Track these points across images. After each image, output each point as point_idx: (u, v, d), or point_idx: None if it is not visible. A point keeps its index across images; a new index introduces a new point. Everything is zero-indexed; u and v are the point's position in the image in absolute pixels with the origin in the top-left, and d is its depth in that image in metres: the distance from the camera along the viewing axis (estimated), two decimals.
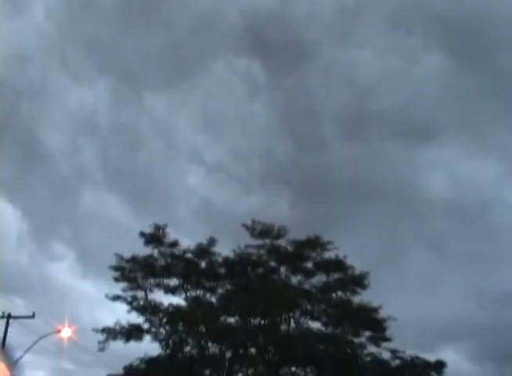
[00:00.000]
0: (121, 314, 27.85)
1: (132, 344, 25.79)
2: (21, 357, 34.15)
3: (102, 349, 25.71)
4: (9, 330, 35.87)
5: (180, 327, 24.35)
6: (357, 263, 27.13)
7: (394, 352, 25.08)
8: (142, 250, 26.74)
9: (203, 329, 22.94)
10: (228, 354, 24.70)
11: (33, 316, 35.89)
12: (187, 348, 25.20)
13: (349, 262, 26.80)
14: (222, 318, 24.41)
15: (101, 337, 25.87)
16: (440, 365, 24.69)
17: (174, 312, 23.97)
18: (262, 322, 25.09)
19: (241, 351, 24.35)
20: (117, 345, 26.63)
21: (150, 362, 23.78)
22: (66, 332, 36.07)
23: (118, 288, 27.07)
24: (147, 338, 26.38)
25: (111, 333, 26.01)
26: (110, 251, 27.76)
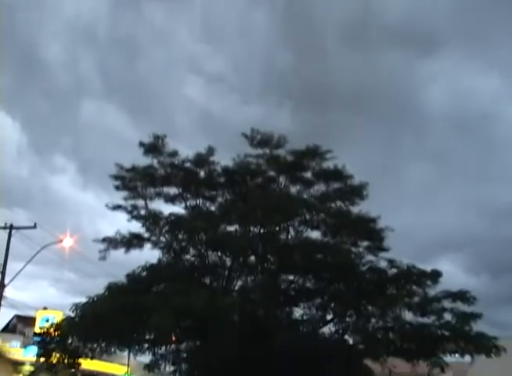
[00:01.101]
0: (122, 224, 28.20)
1: (133, 253, 26.21)
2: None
3: (103, 258, 26.14)
4: (12, 241, 36.47)
5: (180, 236, 24.63)
6: (356, 174, 27.30)
7: (391, 261, 25.45)
8: (142, 160, 26.81)
9: (203, 237, 23.18)
10: (228, 262, 25.12)
11: (34, 227, 36.42)
12: (187, 256, 25.65)
13: (348, 172, 26.97)
14: (222, 226, 24.64)
15: (102, 246, 26.25)
16: (436, 274, 25.10)
17: (175, 221, 24.14)
18: (261, 231, 25.37)
19: (240, 259, 24.71)
20: (118, 255, 27.06)
21: (151, 269, 24.16)
22: (67, 242, 36.69)
23: (119, 197, 27.33)
24: (148, 247, 26.84)
25: (112, 242, 26.38)
26: (110, 161, 27.85)
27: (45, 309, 58.18)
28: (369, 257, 26.63)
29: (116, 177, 26.78)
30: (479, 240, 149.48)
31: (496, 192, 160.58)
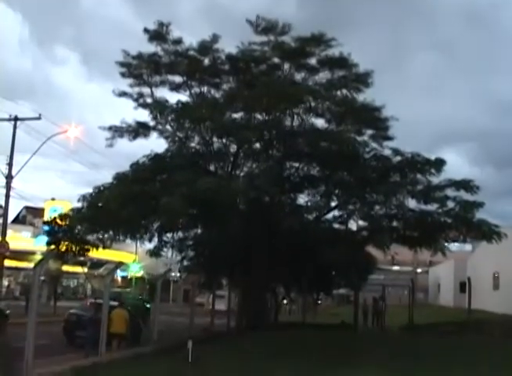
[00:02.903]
0: (127, 115, 28.19)
1: (140, 145, 26.42)
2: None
3: (110, 145, 26.31)
4: (17, 133, 36.53)
5: (186, 124, 24.59)
6: (362, 63, 26.97)
7: (395, 150, 25.43)
8: (147, 48, 26.54)
9: (208, 125, 23.12)
10: (233, 149, 25.20)
11: (39, 118, 36.39)
12: (192, 144, 25.74)
13: (353, 60, 26.60)
14: (227, 114, 24.54)
15: (108, 135, 26.33)
16: (439, 162, 25.09)
17: (180, 109, 24.02)
18: (266, 118, 25.30)
19: (246, 146, 24.75)
20: (125, 146, 27.29)
21: (156, 158, 24.28)
22: (73, 132, 36.76)
23: (124, 86, 27.28)
24: (153, 137, 26.92)
25: (118, 130, 26.47)
26: (114, 52, 27.62)
27: (52, 199, 59.01)
28: (374, 145, 26.66)
29: (122, 64, 26.62)
30: (485, 132, 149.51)
31: (505, 85, 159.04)
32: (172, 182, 19.86)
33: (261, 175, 23.88)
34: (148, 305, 38.22)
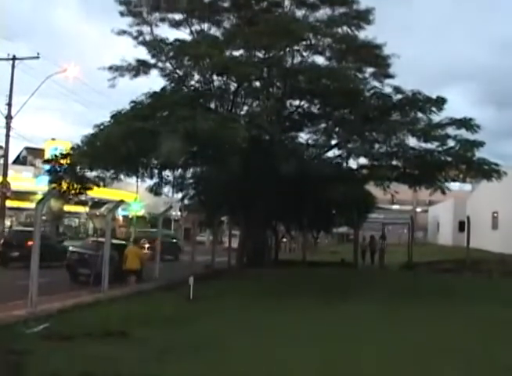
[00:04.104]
0: (126, 54, 27.86)
1: (140, 85, 26.21)
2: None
3: (112, 86, 26.09)
4: (16, 73, 36.32)
5: (185, 61, 24.27)
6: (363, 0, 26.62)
7: (396, 88, 25.23)
8: None
9: (208, 63, 22.83)
10: (233, 87, 24.96)
11: (38, 57, 36.16)
12: (192, 82, 25.47)
13: None
14: (227, 52, 24.23)
15: (109, 75, 26.09)
16: (440, 101, 24.93)
17: (180, 46, 23.71)
18: (267, 55, 25.03)
19: (246, 84, 24.51)
20: (125, 86, 27.09)
21: (155, 96, 24.01)
22: (72, 71, 36.51)
23: (124, 25, 26.97)
24: (154, 76, 26.65)
25: (119, 69, 26.23)
26: None
27: (53, 140, 58.85)
28: (374, 83, 26.42)
29: (120, 2, 26.20)
30: (488, 72, 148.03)
31: (509, 24, 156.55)
32: (172, 119, 19.69)
33: (261, 113, 23.80)
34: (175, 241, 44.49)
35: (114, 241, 23.55)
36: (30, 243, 17.87)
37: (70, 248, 26.06)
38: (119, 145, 19.40)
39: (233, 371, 8.46)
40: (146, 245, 35.79)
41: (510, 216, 40.61)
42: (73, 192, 26.29)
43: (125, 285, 20.66)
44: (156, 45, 25.16)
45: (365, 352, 10.42)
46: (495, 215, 46.26)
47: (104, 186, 26.15)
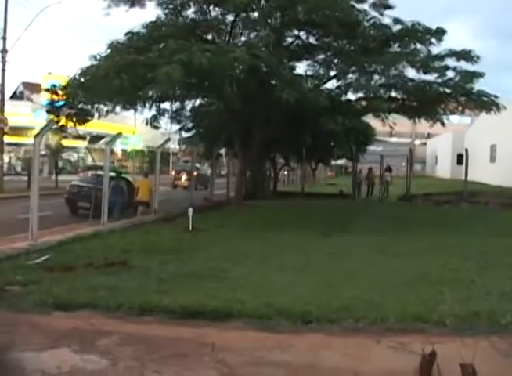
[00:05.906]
0: None
1: (137, 19, 25.41)
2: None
3: (107, 14, 25.43)
4: (10, 6, 35.67)
5: None
6: None
7: (395, 19, 24.87)
8: None
9: None
10: (231, 18, 24.47)
11: None
12: (188, 13, 24.90)
13: None
14: None
15: (103, 3, 25.42)
16: (440, 32, 24.68)
17: None
18: None
19: (243, 15, 24.03)
20: (122, 20, 26.42)
21: (151, 26, 23.57)
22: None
23: None
24: (151, 8, 25.95)
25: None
26: None
27: (49, 74, 58.07)
28: (374, 14, 25.90)
29: None
30: (489, 4, 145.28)
31: None
32: (168, 51, 19.39)
33: (259, 43, 23.47)
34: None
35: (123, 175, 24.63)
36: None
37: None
38: (113, 77, 19.22)
39: (232, 298, 8.61)
40: (184, 177, 45.70)
41: (508, 149, 40.72)
42: (71, 122, 26.19)
43: (135, 215, 21.94)
44: None
45: (362, 276, 10.65)
46: (494, 148, 46.36)
47: (99, 117, 26.00)
